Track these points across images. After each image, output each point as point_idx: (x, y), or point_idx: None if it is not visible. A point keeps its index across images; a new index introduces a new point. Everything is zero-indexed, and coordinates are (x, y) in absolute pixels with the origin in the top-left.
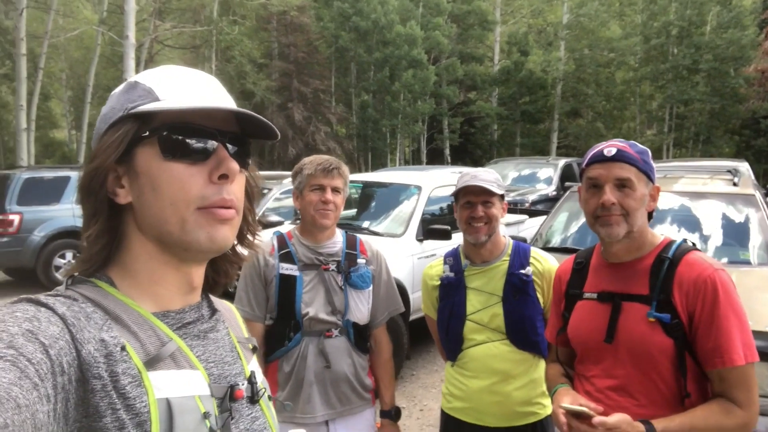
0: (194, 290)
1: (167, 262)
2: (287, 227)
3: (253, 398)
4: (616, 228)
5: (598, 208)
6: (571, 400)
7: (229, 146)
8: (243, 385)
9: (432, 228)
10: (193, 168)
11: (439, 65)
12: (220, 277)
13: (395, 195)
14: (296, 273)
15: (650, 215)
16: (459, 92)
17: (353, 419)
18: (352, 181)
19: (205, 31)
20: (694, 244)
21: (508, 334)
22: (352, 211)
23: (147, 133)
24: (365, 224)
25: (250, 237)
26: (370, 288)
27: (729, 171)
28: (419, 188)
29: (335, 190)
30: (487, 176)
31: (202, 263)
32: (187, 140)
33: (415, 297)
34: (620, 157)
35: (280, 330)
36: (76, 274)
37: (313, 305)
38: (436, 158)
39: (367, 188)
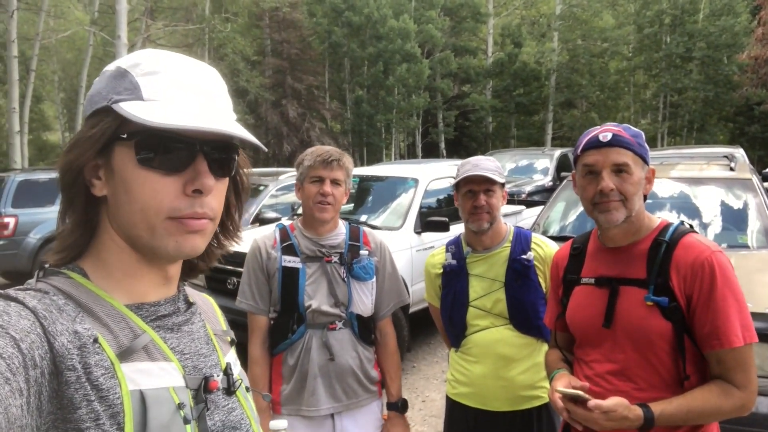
0: (169, 283)
1: (139, 259)
2: (286, 222)
3: (230, 389)
4: (615, 213)
5: (597, 194)
6: (566, 383)
7: (212, 154)
8: (218, 376)
9: (430, 220)
10: (168, 178)
11: (432, 59)
12: (200, 262)
13: (392, 188)
14: (299, 265)
15: (645, 197)
16: (453, 85)
17: (360, 412)
18: None
19: (198, 29)
20: (691, 226)
21: (510, 318)
22: (350, 206)
23: (125, 135)
24: (363, 218)
25: (232, 230)
26: (374, 279)
27: (725, 156)
28: (416, 181)
29: (335, 182)
30: (488, 164)
31: (174, 262)
32: (164, 150)
33: (415, 289)
34: (616, 142)
35: (284, 323)
36: (47, 265)
37: (316, 297)
38: (431, 152)
39: (364, 182)
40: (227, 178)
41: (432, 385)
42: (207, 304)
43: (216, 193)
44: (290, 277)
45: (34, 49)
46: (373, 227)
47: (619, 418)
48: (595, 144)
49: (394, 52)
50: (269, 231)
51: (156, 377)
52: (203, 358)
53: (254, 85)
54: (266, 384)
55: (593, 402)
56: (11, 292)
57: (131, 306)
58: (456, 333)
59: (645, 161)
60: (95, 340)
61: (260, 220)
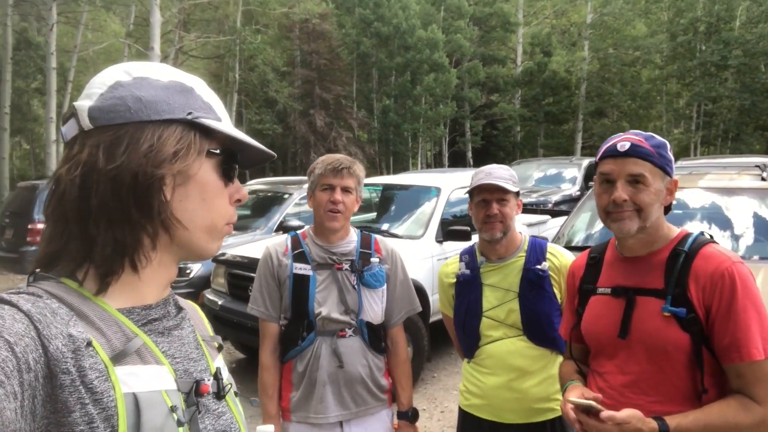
0: (168, 287)
1: (165, 261)
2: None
3: (219, 394)
4: (628, 223)
5: (610, 203)
6: (579, 394)
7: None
8: (209, 380)
9: (451, 229)
10: (227, 189)
11: (460, 68)
12: None
13: (415, 197)
14: (310, 272)
15: (668, 208)
16: (481, 95)
17: (369, 420)
18: (372, 185)
19: (229, 40)
20: (711, 237)
21: (525, 330)
22: (373, 214)
23: (218, 150)
24: (385, 227)
25: None
26: (384, 287)
27: (757, 166)
28: (438, 190)
29: (345, 190)
30: (501, 173)
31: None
32: (234, 163)
33: (435, 299)
34: (633, 152)
35: (294, 330)
36: (37, 270)
37: (326, 305)
38: (458, 161)
39: (387, 191)
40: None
41: (451, 395)
42: (193, 310)
43: None
44: (301, 284)
45: (72, 61)
46: (395, 236)
47: (632, 430)
48: (613, 153)
49: (421, 61)
50: (281, 238)
51: (149, 380)
52: (194, 363)
53: (283, 95)
54: (276, 391)
55: (606, 413)
56: (4, 295)
57: (122, 310)
58: (469, 344)
59: (666, 172)
60: (89, 344)
61: (284, 228)
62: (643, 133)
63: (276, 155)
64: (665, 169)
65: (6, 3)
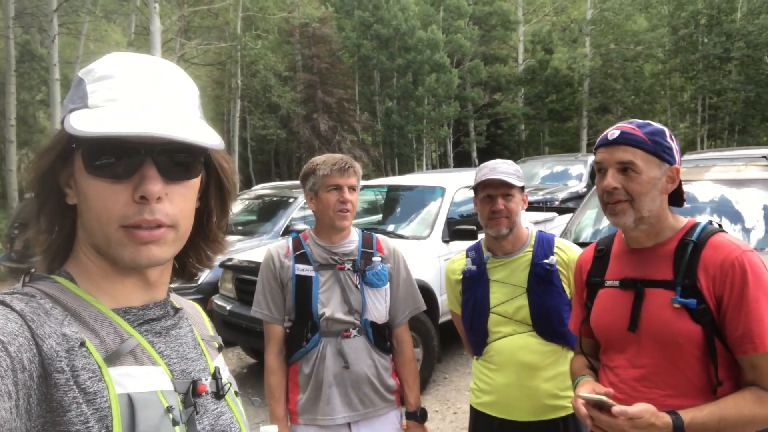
0: (154, 287)
1: (113, 264)
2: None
3: (218, 393)
4: (623, 217)
5: (604, 193)
6: (590, 389)
7: (163, 158)
8: (207, 380)
9: (457, 229)
10: (117, 186)
11: (462, 68)
12: (193, 263)
13: (419, 197)
14: (312, 273)
15: (680, 199)
16: (484, 94)
17: (377, 422)
18: (376, 186)
19: (230, 47)
20: (720, 226)
21: (534, 325)
22: (378, 216)
23: (74, 145)
24: (390, 228)
25: (210, 236)
26: (387, 286)
27: (764, 157)
28: (443, 190)
29: (351, 188)
30: (506, 168)
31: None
32: (110, 158)
33: (443, 299)
34: (623, 140)
35: (299, 331)
36: (33, 270)
37: (329, 305)
38: (463, 161)
39: (392, 192)
40: (190, 182)
41: (464, 396)
42: (194, 309)
43: (173, 198)
44: (303, 285)
45: (75, 72)
46: (401, 237)
47: (645, 425)
48: (604, 142)
49: (423, 62)
50: (282, 241)
51: (144, 381)
52: (191, 362)
53: (286, 100)
54: (283, 393)
55: (618, 408)
56: None
57: (118, 310)
58: (477, 340)
59: (664, 159)
60: (82, 344)
61: (290, 232)
62: (639, 121)
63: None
64: (661, 156)
65: (8, 15)
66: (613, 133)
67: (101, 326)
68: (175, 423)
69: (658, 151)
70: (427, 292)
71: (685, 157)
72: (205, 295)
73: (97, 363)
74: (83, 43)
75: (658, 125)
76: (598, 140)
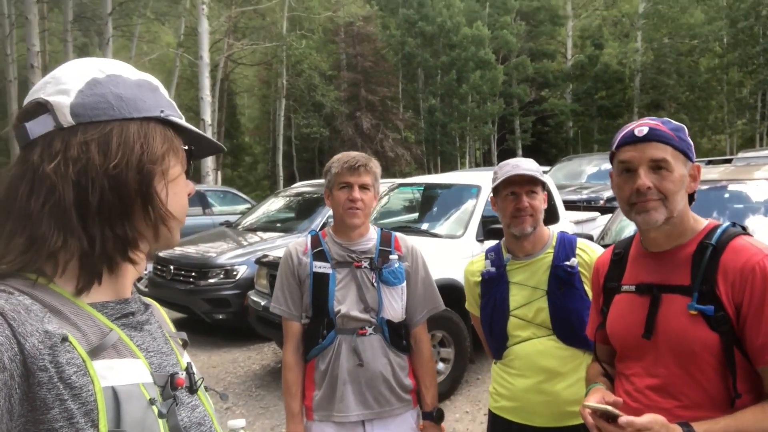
0: (122, 284)
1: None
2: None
3: (192, 388)
4: (654, 214)
5: (633, 193)
6: (599, 398)
7: None
8: (182, 374)
9: (492, 228)
10: (186, 183)
11: (508, 64)
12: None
13: (455, 196)
14: (329, 271)
15: (692, 198)
16: (530, 90)
17: (393, 421)
18: (413, 184)
19: (276, 47)
20: (744, 228)
21: (554, 329)
22: (414, 215)
23: (186, 147)
24: (425, 226)
25: None
26: (404, 284)
27: None
28: (479, 188)
29: (363, 187)
30: (529, 165)
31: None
32: (191, 161)
33: None
34: (653, 136)
35: (315, 328)
36: (2, 267)
37: (345, 302)
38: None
39: (428, 190)
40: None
41: None
42: (155, 307)
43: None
44: (320, 282)
45: None
46: (436, 236)
47: None
48: (631, 139)
49: (467, 59)
50: (302, 238)
51: (126, 374)
52: (166, 357)
53: (330, 99)
54: (299, 389)
55: (625, 418)
56: None
57: (96, 305)
58: (497, 344)
59: (688, 157)
60: (65, 339)
61: None
62: (657, 118)
63: (226, 148)
64: (686, 153)
65: (66, 19)
66: (641, 129)
67: (82, 320)
68: (160, 416)
69: (684, 148)
70: (459, 291)
71: (740, 154)
72: (242, 291)
73: (81, 357)
74: (135, 44)
75: (676, 122)
76: (619, 137)
